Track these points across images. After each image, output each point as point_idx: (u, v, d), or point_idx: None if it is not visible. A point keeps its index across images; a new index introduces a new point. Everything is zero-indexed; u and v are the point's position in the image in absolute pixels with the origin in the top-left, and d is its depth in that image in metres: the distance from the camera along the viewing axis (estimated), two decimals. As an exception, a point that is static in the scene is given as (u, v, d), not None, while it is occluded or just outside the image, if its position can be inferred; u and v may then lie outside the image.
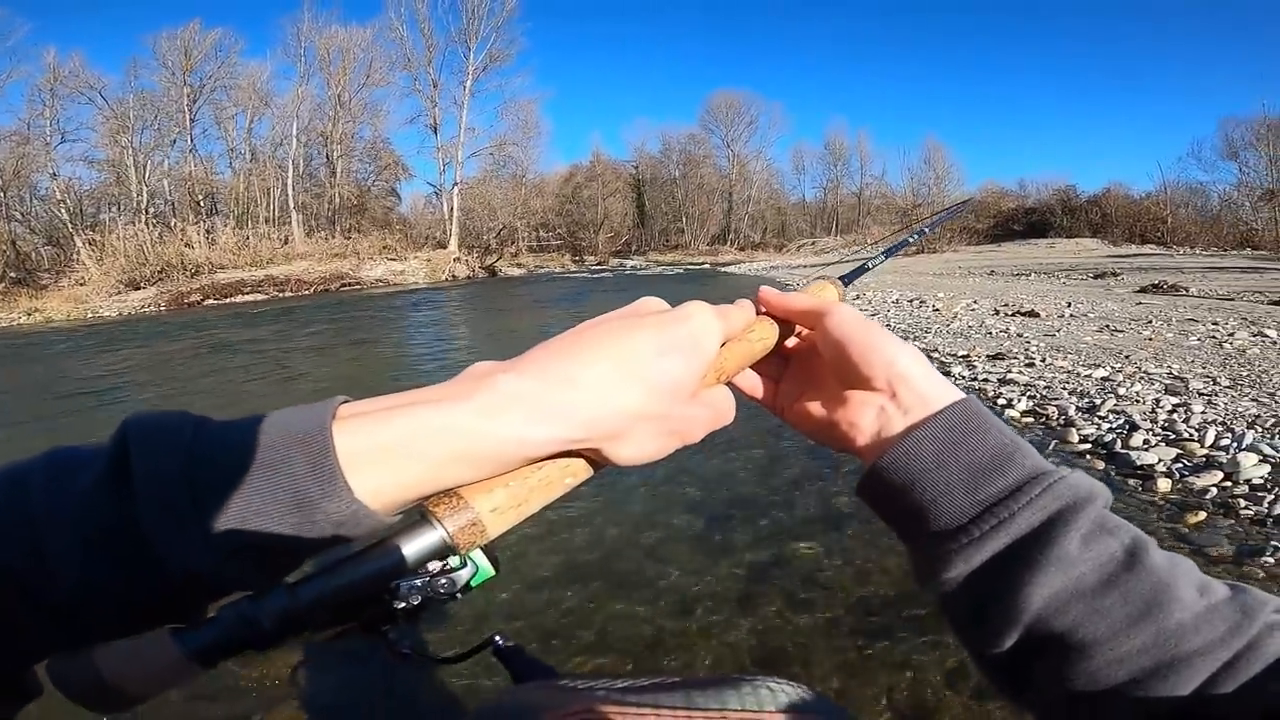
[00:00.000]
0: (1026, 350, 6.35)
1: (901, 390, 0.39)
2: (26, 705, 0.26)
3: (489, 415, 0.29)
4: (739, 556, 2.77)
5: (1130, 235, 31.50)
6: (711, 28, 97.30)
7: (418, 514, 0.29)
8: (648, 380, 0.32)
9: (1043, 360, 5.88)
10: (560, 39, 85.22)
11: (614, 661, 2.14)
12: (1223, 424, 3.66)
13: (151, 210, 27.14)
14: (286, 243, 28.31)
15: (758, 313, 0.43)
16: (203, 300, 20.93)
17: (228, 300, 21.16)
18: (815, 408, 0.43)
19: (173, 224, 26.08)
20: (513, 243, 36.55)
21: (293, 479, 0.26)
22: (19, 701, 0.26)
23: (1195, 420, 3.78)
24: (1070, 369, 5.45)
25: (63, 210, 26.13)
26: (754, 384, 0.47)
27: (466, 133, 34.98)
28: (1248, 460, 3.07)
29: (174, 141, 29.56)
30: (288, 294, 22.39)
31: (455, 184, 34.04)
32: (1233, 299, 10.01)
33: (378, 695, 2.02)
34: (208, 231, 26.27)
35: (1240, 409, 3.93)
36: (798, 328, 0.45)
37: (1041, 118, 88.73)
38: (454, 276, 27.80)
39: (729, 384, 0.39)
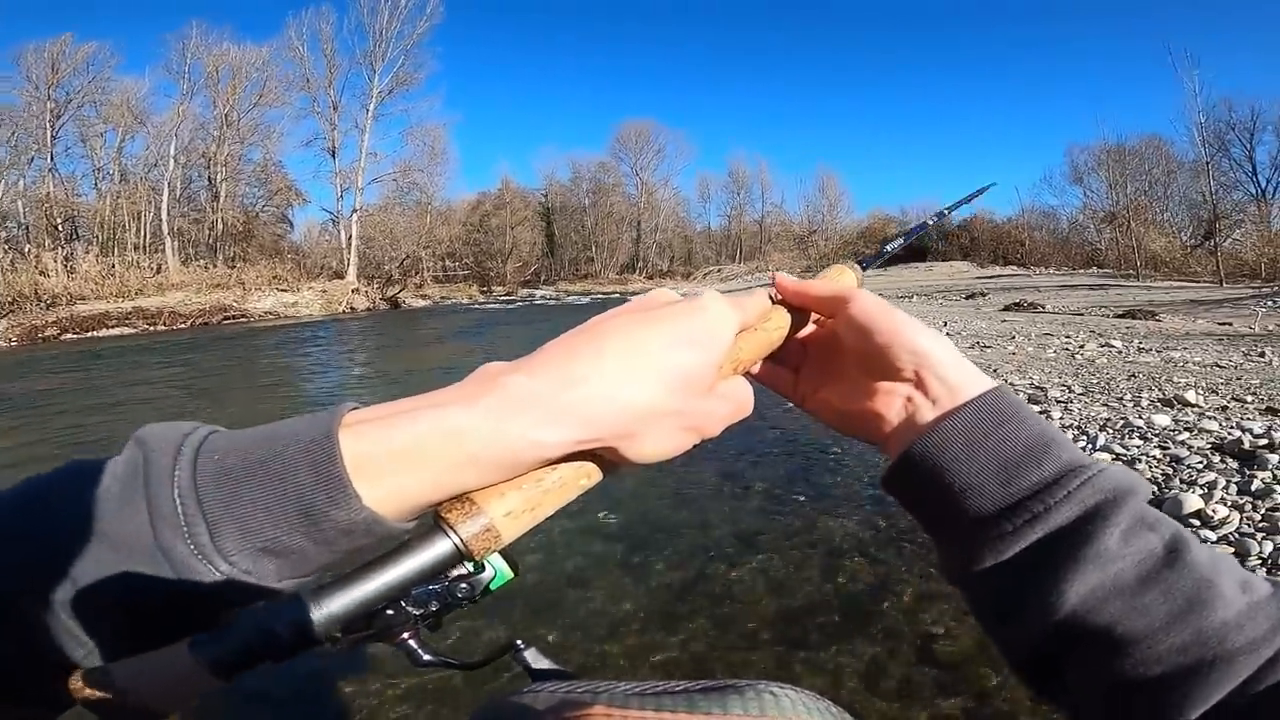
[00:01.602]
0: None
1: (929, 379, 0.38)
2: (59, 715, 0.26)
3: (500, 417, 0.28)
4: (666, 578, 2.81)
5: (995, 257, 35.04)
6: (616, 55, 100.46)
7: (430, 520, 0.29)
8: (662, 375, 0.31)
9: None
10: (467, 65, 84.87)
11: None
12: (1078, 428, 4.10)
13: (2, 234, 24.19)
14: (159, 271, 25.91)
15: (774, 301, 0.41)
16: (60, 334, 18.64)
17: (90, 334, 18.97)
18: (838, 397, 0.42)
19: (26, 250, 23.29)
20: (417, 273, 35.26)
21: (299, 488, 0.25)
22: (50, 711, 0.26)
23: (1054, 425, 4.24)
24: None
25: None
26: (773, 374, 0.45)
27: (368, 157, 33.65)
28: (1101, 459, 3.48)
29: (31, 160, 26.64)
30: (160, 327, 20.39)
31: (354, 210, 32.48)
32: (1082, 314, 11.36)
33: (397, 703, 1.98)
34: (66, 259, 23.60)
35: (1093, 413, 4.43)
36: (815, 315, 0.44)
37: (918, 147, 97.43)
38: (352, 308, 26.35)
39: (747, 375, 0.38)
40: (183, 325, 20.94)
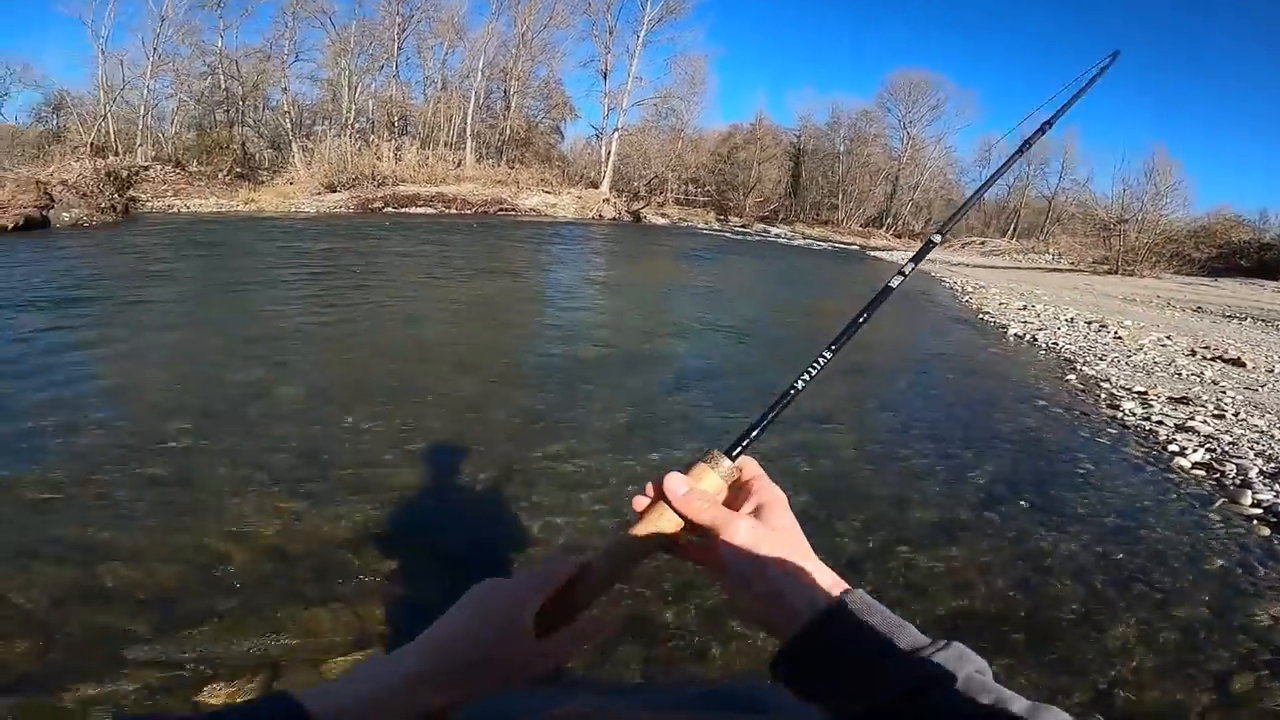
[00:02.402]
0: (1219, 400, 5.62)
1: (777, 613, 0.45)
2: None
3: None
4: (844, 544, 2.79)
5: None
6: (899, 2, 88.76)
7: None
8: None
9: (1236, 414, 5.19)
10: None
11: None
12: None
13: (356, 126, 30.07)
14: (459, 166, 30.35)
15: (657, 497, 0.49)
16: (384, 208, 23.24)
17: (403, 210, 23.33)
18: (727, 588, 0.50)
19: (370, 139, 28.78)
20: (661, 192, 36.77)
21: None
22: None
23: None
24: (1266, 430, 4.76)
25: (286, 120, 30.05)
26: (693, 549, 0.52)
27: (634, 81, 35.23)
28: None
29: (382, 67, 32.42)
30: (453, 211, 24.28)
31: (616, 129, 34.66)
32: None
33: None
34: (396, 149, 28.71)
35: None
36: None
37: None
38: (601, 215, 28.73)
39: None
40: (468, 211, 24.75)
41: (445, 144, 31.63)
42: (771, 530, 0.47)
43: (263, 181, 25.25)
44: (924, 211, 42.62)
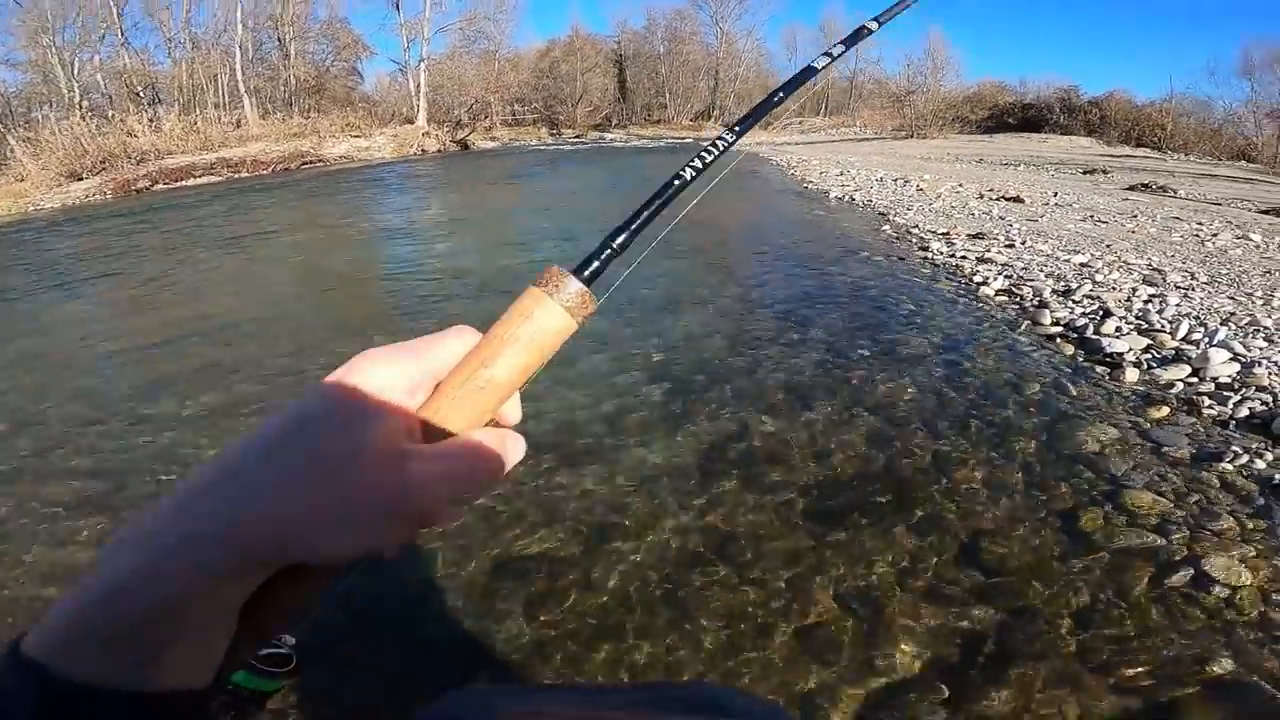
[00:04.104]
0: (1007, 233, 6.26)
1: None
2: None
3: None
4: (703, 427, 2.69)
5: (1126, 138, 30.24)
6: None
7: None
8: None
9: (1023, 243, 5.80)
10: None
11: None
12: (1196, 318, 3.58)
13: (87, 104, 25.53)
14: (239, 126, 26.44)
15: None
16: (151, 185, 19.60)
17: (179, 184, 19.87)
18: None
19: (110, 115, 24.34)
20: (486, 117, 34.51)
21: None
22: None
23: (1170, 312, 3.70)
24: (1050, 253, 5.32)
25: (-14, 109, 24.25)
26: None
27: (433, 7, 32.38)
28: (1218, 356, 2.98)
29: (103, 37, 27.59)
30: (244, 174, 21.09)
31: (422, 60, 31.80)
32: (1220, 204, 9.73)
33: None
34: (151, 120, 24.46)
35: (1216, 305, 3.84)
36: None
37: (1049, 20, 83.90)
38: (423, 150, 26.66)
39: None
40: (264, 171, 21.59)
41: (215, 105, 27.45)
42: None
43: (-18, 185, 20.35)
44: (745, 100, 44.00)
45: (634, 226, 0.36)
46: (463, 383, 0.30)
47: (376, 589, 1.88)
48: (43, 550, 2.23)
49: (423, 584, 1.92)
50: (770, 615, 1.76)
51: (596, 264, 0.34)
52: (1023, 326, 3.76)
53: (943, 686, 1.55)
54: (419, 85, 31.56)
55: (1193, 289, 4.18)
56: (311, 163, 23.28)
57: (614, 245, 0.35)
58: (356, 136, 26.46)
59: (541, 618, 1.79)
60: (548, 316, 0.31)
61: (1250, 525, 2.00)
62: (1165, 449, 2.44)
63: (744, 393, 3.05)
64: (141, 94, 27.33)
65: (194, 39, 29.44)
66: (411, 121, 30.35)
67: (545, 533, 2.12)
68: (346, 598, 1.78)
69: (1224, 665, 1.54)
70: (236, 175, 21.04)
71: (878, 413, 2.82)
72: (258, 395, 3.36)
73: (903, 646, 1.65)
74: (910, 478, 2.36)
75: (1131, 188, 11.53)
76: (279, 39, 30.65)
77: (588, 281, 0.33)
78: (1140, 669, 1.55)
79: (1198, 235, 6.22)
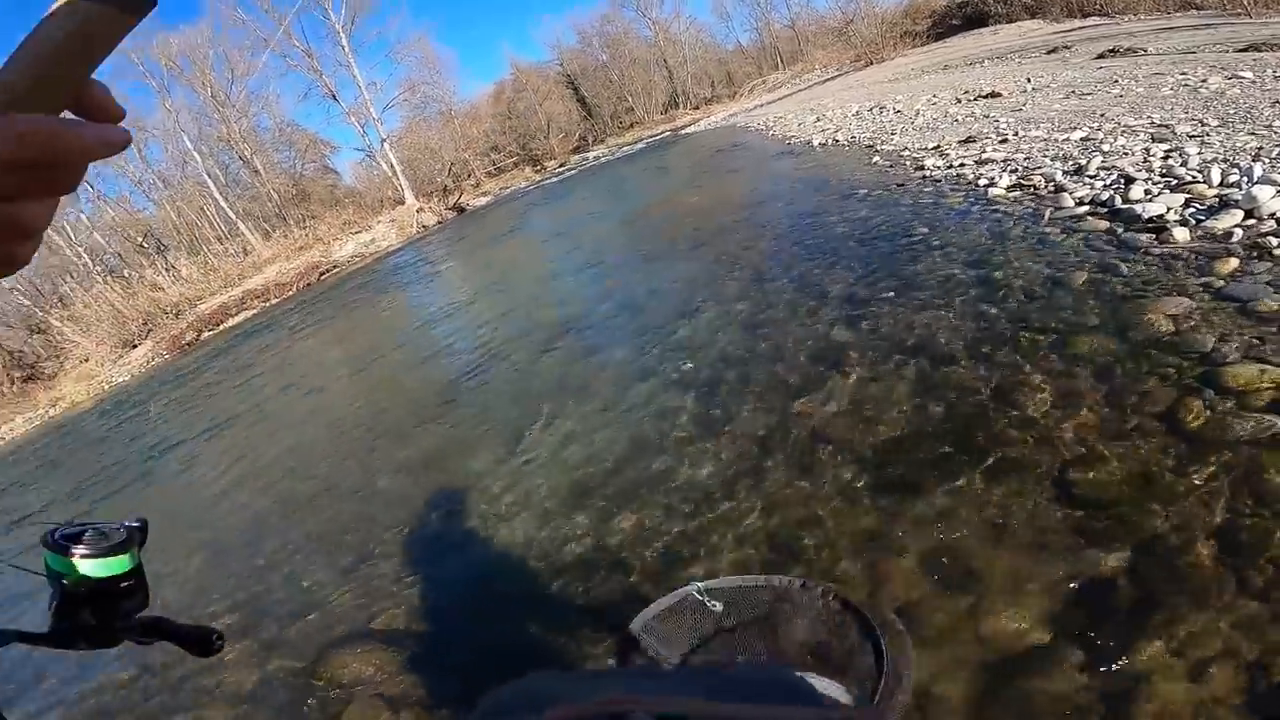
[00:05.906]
0: (997, 129, 6.13)
1: None
2: None
3: None
4: (745, 428, 2.64)
5: (1070, 11, 29.09)
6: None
7: None
8: None
9: (1016, 134, 5.67)
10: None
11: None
12: (1226, 161, 3.39)
13: (102, 267, 26.57)
14: (247, 254, 27.59)
15: None
16: (199, 336, 20.73)
17: (221, 327, 20.95)
18: None
19: (126, 274, 25.55)
20: (469, 175, 35.18)
21: None
22: None
23: (1194, 162, 3.54)
24: (1046, 137, 5.19)
25: (18, 297, 25.56)
26: None
27: (369, 89, 32.76)
28: (1264, 193, 2.80)
29: (77, 195, 28.46)
30: (273, 300, 22.02)
31: (383, 140, 32.53)
32: (1194, 52, 9.23)
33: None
34: (168, 269, 25.71)
35: (1239, 144, 3.65)
36: None
37: None
38: (424, 227, 27.12)
39: None
40: (290, 292, 22.41)
41: (218, 239, 28.61)
42: None
43: (54, 374, 21.91)
44: (705, 79, 44.10)
45: None
46: None
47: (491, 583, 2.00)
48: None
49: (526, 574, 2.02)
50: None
51: None
52: (1046, 216, 3.63)
53: (1075, 650, 1.34)
54: (392, 165, 32.17)
55: (1208, 135, 3.98)
56: (327, 271, 24.09)
57: None
58: (358, 232, 27.22)
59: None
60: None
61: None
62: (1250, 304, 2.16)
63: (775, 380, 2.99)
64: (144, 244, 28.36)
65: (162, 176, 30.20)
66: (402, 201, 31.01)
67: (604, 574, 2.18)
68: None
69: None
70: (267, 303, 21.97)
71: (919, 356, 2.70)
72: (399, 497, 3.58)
73: (1013, 613, 1.46)
74: (972, 419, 2.16)
75: (1101, 55, 11.10)
76: (240, 157, 31.43)
77: None
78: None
79: (1187, 85, 5.94)
